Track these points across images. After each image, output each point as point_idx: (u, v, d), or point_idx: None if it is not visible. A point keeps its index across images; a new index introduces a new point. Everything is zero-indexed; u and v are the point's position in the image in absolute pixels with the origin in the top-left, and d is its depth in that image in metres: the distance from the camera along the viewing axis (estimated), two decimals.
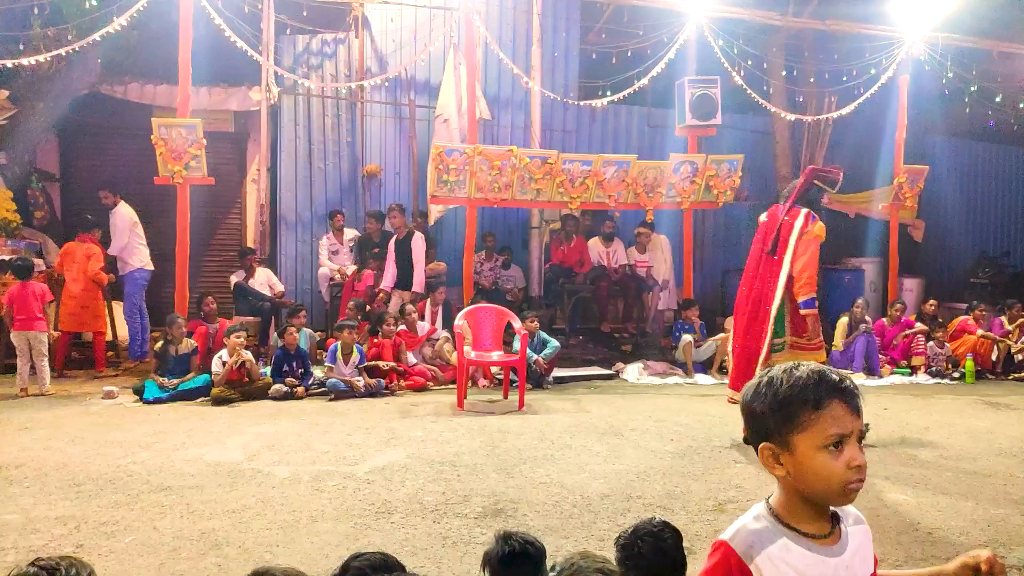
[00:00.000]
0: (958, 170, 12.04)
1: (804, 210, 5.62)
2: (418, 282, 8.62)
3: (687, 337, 8.65)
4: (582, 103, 9.87)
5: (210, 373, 6.89)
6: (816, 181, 5.71)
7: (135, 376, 7.61)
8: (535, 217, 9.94)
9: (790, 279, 5.55)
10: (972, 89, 11.56)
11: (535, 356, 7.64)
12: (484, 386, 7.69)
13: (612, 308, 9.41)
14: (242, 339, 6.97)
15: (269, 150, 9.73)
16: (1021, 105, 12.33)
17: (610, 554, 2.20)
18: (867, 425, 4.81)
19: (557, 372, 8.03)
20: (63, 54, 7.57)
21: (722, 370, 8.62)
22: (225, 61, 8.60)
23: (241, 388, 6.85)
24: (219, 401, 6.64)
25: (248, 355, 6.91)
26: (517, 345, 7.10)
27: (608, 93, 9.67)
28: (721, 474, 4.87)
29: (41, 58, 7.56)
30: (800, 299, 5.56)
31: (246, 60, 8.13)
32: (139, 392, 6.76)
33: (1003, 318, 9.36)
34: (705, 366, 8.73)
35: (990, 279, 12.03)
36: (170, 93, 8.65)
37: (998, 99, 12.07)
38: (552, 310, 9.29)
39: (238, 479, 4.57)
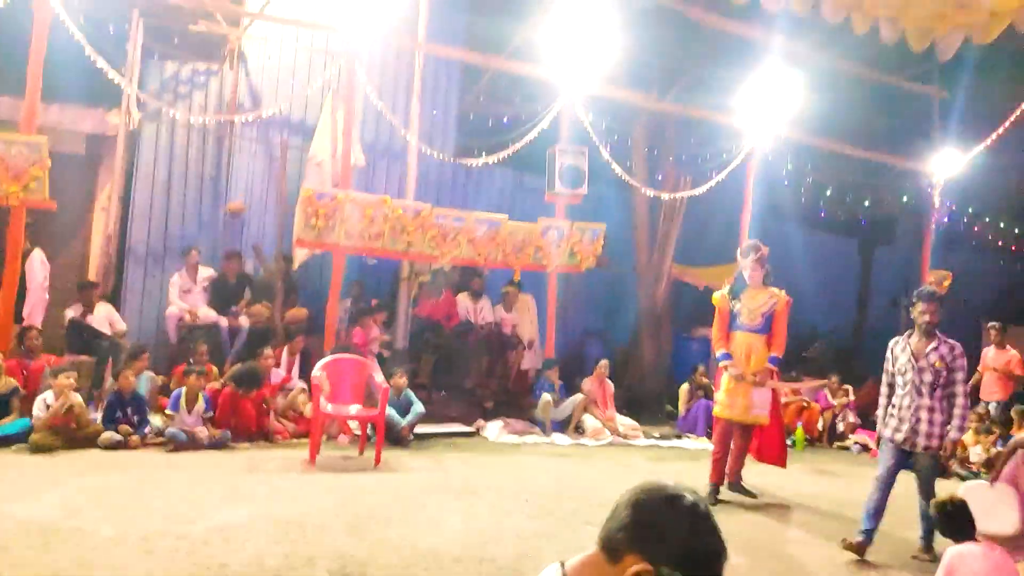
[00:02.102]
0: (795, 253, 13.23)
1: None
2: (27, 312, 7.48)
3: (547, 396, 8.81)
4: (457, 161, 10.03)
5: (30, 417, 6.21)
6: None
7: None
8: (405, 268, 9.88)
9: None
10: (808, 181, 12.88)
11: (403, 422, 7.45)
12: (344, 443, 7.40)
13: (476, 364, 9.43)
14: (71, 380, 6.35)
15: (124, 178, 9.12)
16: (847, 200, 13.86)
17: None
18: (755, 494, 4.91)
19: (417, 428, 7.88)
20: None
21: (578, 429, 8.83)
22: (82, 79, 8.00)
23: (66, 435, 6.20)
24: (38, 448, 5.96)
25: (77, 398, 6.29)
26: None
27: (483, 154, 9.90)
28: (573, 535, 4.95)
29: None
30: None
31: (106, 80, 7.63)
32: None
33: (826, 391, 10.23)
34: (562, 426, 8.90)
35: (819, 353, 13.17)
36: (14, 106, 7.95)
37: (828, 192, 13.51)
38: (415, 364, 9.18)
39: (53, 539, 4.11)
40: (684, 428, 9.63)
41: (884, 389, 5.26)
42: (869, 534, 4.94)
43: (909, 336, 5.11)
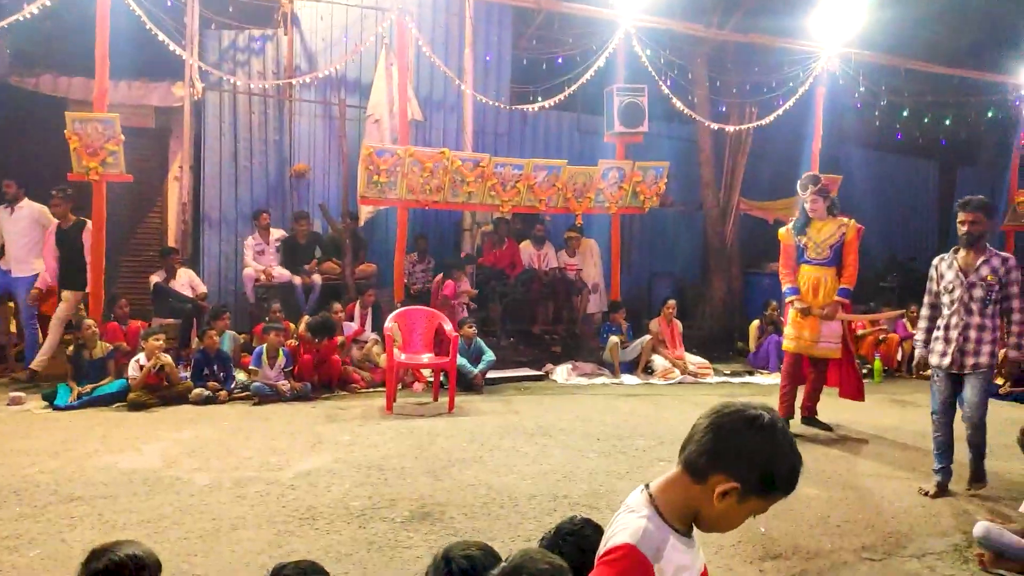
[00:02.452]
0: (869, 179, 12.68)
1: None
2: (90, 279, 7.48)
3: (614, 339, 8.83)
4: (513, 108, 9.95)
5: (126, 377, 6.64)
6: None
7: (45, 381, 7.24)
8: (467, 219, 9.96)
9: None
10: (882, 103, 12.21)
11: (474, 371, 7.63)
12: (418, 391, 7.63)
13: (542, 310, 9.50)
14: (161, 342, 6.73)
15: (192, 147, 9.43)
16: (925, 120, 13.09)
17: None
18: (830, 427, 4.85)
19: (488, 374, 8.05)
20: None
21: (647, 370, 8.84)
22: (146, 55, 8.28)
23: (160, 393, 6.61)
24: (136, 406, 6.39)
25: (167, 358, 6.67)
26: None
27: (539, 98, 9.76)
28: (645, 472, 5.00)
29: None
30: None
31: (168, 54, 7.86)
32: (49, 398, 6.44)
33: (905, 320, 9.86)
34: (631, 367, 8.92)
35: (897, 282, 12.68)
36: (86, 86, 8.28)
37: (904, 113, 12.79)
38: (484, 312, 9.31)
39: (154, 487, 4.43)
40: (755, 364, 9.53)
41: (925, 311, 4.96)
42: (943, 472, 4.79)
43: (956, 252, 4.84)
